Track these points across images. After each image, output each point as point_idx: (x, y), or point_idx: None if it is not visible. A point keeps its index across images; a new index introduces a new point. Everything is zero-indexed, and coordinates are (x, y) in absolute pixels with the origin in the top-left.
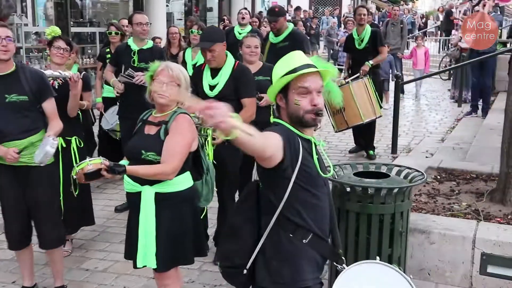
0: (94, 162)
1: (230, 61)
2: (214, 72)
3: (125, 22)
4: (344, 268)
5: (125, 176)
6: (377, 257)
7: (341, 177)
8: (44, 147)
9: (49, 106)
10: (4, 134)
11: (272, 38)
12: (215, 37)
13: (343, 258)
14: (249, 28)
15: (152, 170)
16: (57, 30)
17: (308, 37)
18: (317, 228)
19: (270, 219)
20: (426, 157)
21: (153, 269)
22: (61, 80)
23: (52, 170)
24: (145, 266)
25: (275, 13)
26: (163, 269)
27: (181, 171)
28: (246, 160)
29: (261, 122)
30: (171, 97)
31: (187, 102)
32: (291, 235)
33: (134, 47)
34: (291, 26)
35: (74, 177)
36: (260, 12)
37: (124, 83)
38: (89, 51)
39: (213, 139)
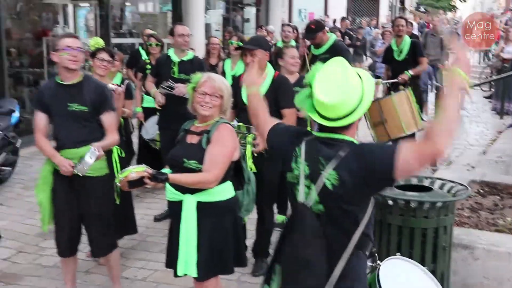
0: (137, 170)
1: (270, 71)
2: None
3: (149, 31)
4: (379, 264)
5: (167, 184)
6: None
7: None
8: (84, 157)
9: (107, 118)
10: (62, 142)
11: (314, 50)
12: (260, 43)
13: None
14: (292, 44)
15: (194, 178)
16: (100, 42)
17: (354, 48)
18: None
19: (347, 242)
20: (467, 170)
21: (194, 278)
22: None
23: (107, 180)
24: (186, 274)
25: (312, 30)
26: (204, 277)
27: (223, 181)
28: None
29: None
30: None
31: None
32: (366, 253)
33: (175, 58)
34: (333, 38)
35: (118, 184)
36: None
37: (164, 94)
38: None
39: (253, 146)
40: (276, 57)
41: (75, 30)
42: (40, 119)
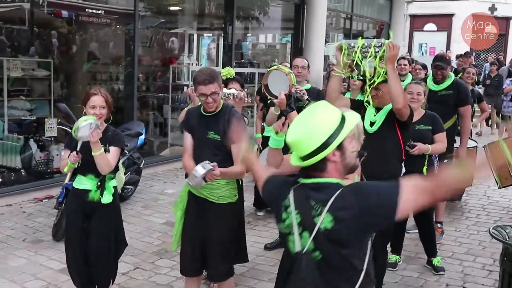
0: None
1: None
2: (377, 110)
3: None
4: None
5: None
6: None
7: None
8: (196, 167)
9: (236, 149)
10: None
11: (432, 86)
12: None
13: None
14: (409, 77)
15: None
16: (232, 72)
17: (483, 87)
18: None
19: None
20: None
21: None
22: None
23: (232, 208)
24: None
25: (446, 61)
26: None
27: None
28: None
29: (413, 172)
30: None
31: None
32: None
33: None
34: (452, 75)
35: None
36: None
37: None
38: (246, 90)
39: None
40: None
41: (198, 58)
42: (187, 140)
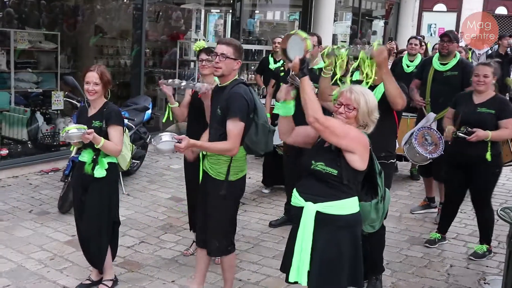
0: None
1: None
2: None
3: (279, 39)
4: None
5: (294, 189)
6: None
7: None
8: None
9: (228, 125)
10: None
11: (438, 66)
12: None
13: None
14: (419, 58)
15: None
16: (201, 44)
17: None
18: None
19: None
20: None
21: None
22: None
23: (226, 185)
24: (297, 282)
25: (454, 34)
26: None
27: (348, 195)
28: None
29: (471, 156)
30: None
31: None
32: None
33: None
34: (458, 54)
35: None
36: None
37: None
38: (252, 67)
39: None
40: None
41: (205, 34)
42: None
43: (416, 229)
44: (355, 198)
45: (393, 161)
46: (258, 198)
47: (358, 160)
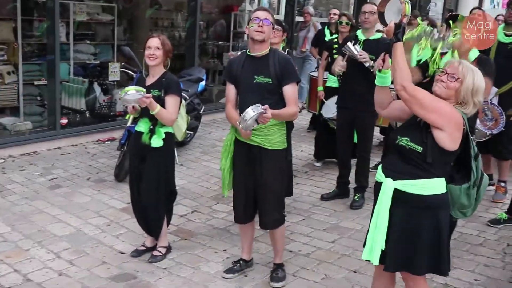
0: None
1: None
2: None
3: (336, 11)
4: None
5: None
6: None
7: None
8: (247, 109)
9: (289, 90)
10: None
11: (503, 37)
12: None
13: None
14: None
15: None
16: None
17: None
18: None
19: None
20: None
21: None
22: None
23: (283, 155)
24: (369, 260)
25: None
26: (390, 269)
27: (431, 175)
28: None
29: None
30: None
31: None
32: None
33: (361, 37)
34: None
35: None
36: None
37: (346, 58)
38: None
39: None
40: None
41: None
42: (230, 90)
43: None
44: (441, 180)
45: None
46: (310, 171)
47: (447, 138)
